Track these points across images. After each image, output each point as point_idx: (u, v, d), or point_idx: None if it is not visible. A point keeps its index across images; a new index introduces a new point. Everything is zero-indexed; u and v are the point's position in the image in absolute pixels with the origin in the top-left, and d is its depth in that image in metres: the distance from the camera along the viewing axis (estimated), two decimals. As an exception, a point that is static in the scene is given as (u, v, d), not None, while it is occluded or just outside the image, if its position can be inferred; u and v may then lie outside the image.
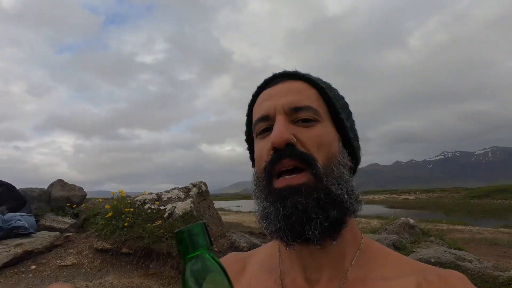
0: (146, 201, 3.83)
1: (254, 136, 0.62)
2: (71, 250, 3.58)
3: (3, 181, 4.31)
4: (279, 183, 0.55)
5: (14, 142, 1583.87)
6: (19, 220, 3.56)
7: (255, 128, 0.61)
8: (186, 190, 3.99)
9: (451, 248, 3.00)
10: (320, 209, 0.52)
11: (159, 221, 3.38)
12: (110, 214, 3.58)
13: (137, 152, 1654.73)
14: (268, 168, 0.55)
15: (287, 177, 0.54)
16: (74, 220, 4.60)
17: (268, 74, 0.65)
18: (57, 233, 3.87)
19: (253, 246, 3.23)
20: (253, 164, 0.64)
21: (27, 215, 3.85)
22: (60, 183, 5.65)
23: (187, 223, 3.31)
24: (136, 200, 3.84)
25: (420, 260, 2.32)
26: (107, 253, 3.30)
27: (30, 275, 3.06)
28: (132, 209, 3.53)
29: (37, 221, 4.17)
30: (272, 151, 0.55)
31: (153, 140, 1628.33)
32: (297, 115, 0.57)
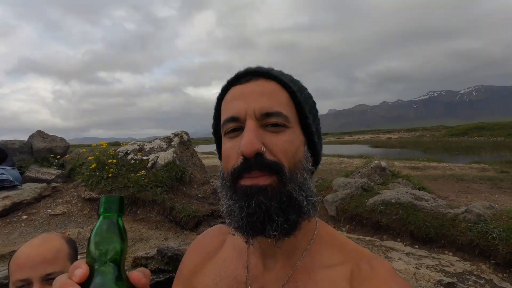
0: (128, 152, 3.88)
1: (222, 133, 0.63)
2: (60, 200, 3.72)
3: (-22, 135, 4.21)
4: (245, 181, 0.57)
5: None
6: (2, 173, 3.60)
7: (224, 127, 0.62)
8: (168, 140, 4.03)
9: (415, 188, 3.28)
10: (281, 211, 0.56)
11: (143, 171, 3.48)
12: (93, 165, 3.65)
13: (120, 97, 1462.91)
14: (236, 173, 0.58)
15: (258, 175, 0.56)
16: (60, 171, 4.68)
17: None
18: (44, 184, 3.96)
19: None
20: (220, 158, 0.67)
21: (10, 168, 3.88)
22: (41, 134, 5.57)
23: (170, 172, 3.43)
24: (119, 151, 3.88)
25: (382, 201, 2.55)
26: (95, 202, 3.45)
27: (23, 224, 3.22)
28: (115, 161, 3.59)
29: (21, 174, 4.22)
30: (241, 157, 0.56)
31: (136, 84, 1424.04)
32: (267, 120, 0.58)
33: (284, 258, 0.65)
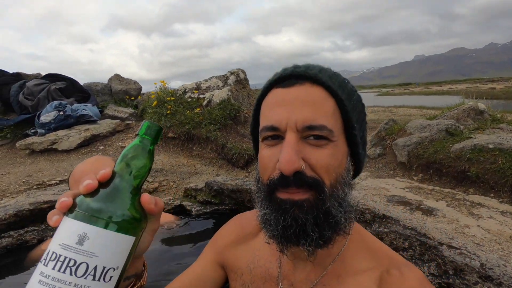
0: (186, 90, 3.89)
1: (260, 138, 0.61)
2: (130, 135, 4.06)
3: (65, 75, 4.74)
4: (282, 194, 0.56)
5: (87, 45, 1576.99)
6: (83, 109, 4.03)
7: (262, 133, 0.60)
8: (224, 79, 3.89)
9: (525, 136, 2.50)
10: (317, 227, 0.55)
11: (198, 109, 3.46)
12: (155, 103, 3.79)
13: (195, 49, 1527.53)
14: (272, 186, 0.57)
15: (296, 191, 0.55)
16: (133, 110, 5.08)
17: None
18: (118, 120, 4.35)
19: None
20: (257, 156, 0.66)
21: (90, 105, 4.32)
22: (118, 77, 6.07)
23: (224, 111, 3.33)
24: (177, 90, 3.92)
25: (474, 146, 1.98)
26: (157, 137, 3.64)
27: (100, 153, 3.63)
28: (173, 98, 3.64)
29: (101, 112, 4.70)
30: (278, 171, 0.55)
31: (208, 34, 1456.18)
32: (309, 133, 0.56)
33: (315, 261, 0.66)
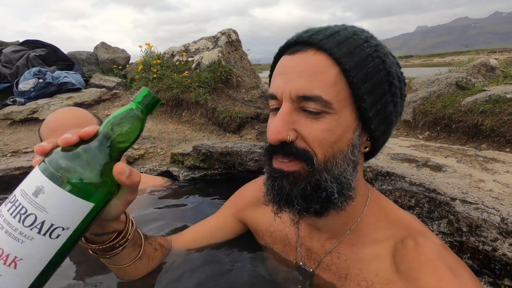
0: (174, 53, 3.61)
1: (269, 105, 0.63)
2: (117, 103, 3.83)
3: (46, 42, 4.42)
4: (276, 163, 0.59)
5: (80, 21, 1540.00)
6: (66, 77, 3.76)
7: (268, 101, 0.62)
8: (215, 40, 3.60)
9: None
10: (303, 199, 0.57)
11: (186, 72, 3.21)
12: (140, 67, 3.52)
13: (191, 23, 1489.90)
14: (267, 153, 0.61)
15: (284, 160, 0.58)
16: (120, 79, 4.80)
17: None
18: (104, 89, 4.10)
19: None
20: None
21: (73, 73, 4.05)
22: (104, 46, 5.72)
23: (214, 73, 3.08)
24: (164, 53, 3.64)
25: (489, 98, 1.78)
26: (144, 104, 3.42)
27: (84, 122, 3.43)
28: (159, 61, 3.38)
29: (87, 81, 4.43)
30: None
31: (204, 7, 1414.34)
32: (304, 104, 0.55)
33: (329, 232, 0.71)
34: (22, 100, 3.45)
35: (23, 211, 0.42)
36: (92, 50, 5.66)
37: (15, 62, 4.04)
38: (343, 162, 0.57)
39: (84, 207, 0.44)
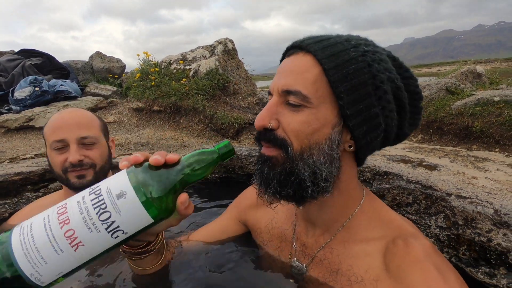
0: (171, 61, 3.66)
1: None
2: (114, 111, 3.84)
3: (41, 51, 4.43)
4: (263, 149, 0.67)
5: (70, 32, 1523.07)
6: (62, 85, 3.77)
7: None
8: (211, 49, 3.67)
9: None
10: (278, 183, 0.63)
11: (184, 80, 3.26)
12: (138, 75, 3.56)
13: (182, 35, 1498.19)
14: (256, 139, 0.69)
15: (266, 145, 0.65)
16: (116, 88, 4.82)
17: None
18: (101, 97, 4.10)
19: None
20: None
21: (69, 81, 4.05)
22: (99, 55, 5.75)
23: (212, 80, 3.14)
24: (162, 61, 3.69)
25: (477, 101, 1.87)
26: (142, 111, 3.44)
27: (81, 130, 3.42)
28: (157, 69, 3.42)
29: (82, 90, 4.44)
30: None
31: (195, 20, 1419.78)
32: (287, 98, 0.61)
33: (323, 227, 0.74)
34: (18, 108, 3.44)
35: (103, 206, 0.47)
36: (87, 60, 5.68)
37: (10, 71, 4.03)
38: (318, 154, 0.61)
39: (146, 220, 0.50)
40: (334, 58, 0.58)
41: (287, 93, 0.61)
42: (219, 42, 3.68)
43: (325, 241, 0.73)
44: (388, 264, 0.62)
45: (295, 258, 0.81)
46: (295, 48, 0.64)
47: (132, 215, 0.48)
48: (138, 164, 0.52)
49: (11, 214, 1.76)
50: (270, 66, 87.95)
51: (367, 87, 0.59)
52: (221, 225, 1.03)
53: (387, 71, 0.62)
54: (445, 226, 1.16)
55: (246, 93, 3.40)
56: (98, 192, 0.48)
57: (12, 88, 3.64)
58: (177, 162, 0.54)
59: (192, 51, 3.72)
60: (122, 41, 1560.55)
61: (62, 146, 1.09)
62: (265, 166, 0.64)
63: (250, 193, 1.01)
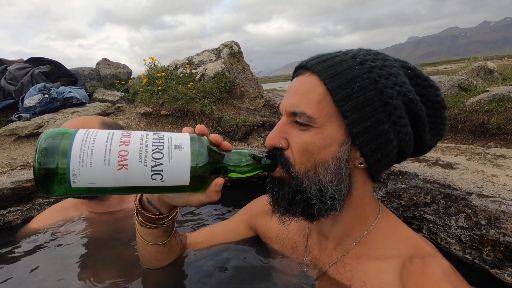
0: (178, 66, 3.67)
1: None
2: (121, 116, 3.86)
3: (50, 59, 4.49)
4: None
5: (77, 41, 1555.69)
6: (70, 92, 3.81)
7: None
8: (217, 52, 3.67)
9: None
10: (287, 202, 0.65)
11: (191, 83, 3.26)
12: (145, 80, 3.58)
13: (185, 40, 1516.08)
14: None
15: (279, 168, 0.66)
16: (123, 94, 4.86)
17: None
18: (109, 103, 4.14)
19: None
20: None
21: (77, 88, 4.09)
22: (106, 61, 5.81)
23: (219, 83, 3.14)
24: (168, 66, 3.71)
25: (493, 97, 1.82)
26: (149, 116, 3.45)
27: (90, 135, 3.44)
28: (164, 73, 3.44)
29: (90, 96, 4.48)
30: None
31: (198, 25, 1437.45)
32: (294, 118, 0.63)
33: (336, 242, 0.74)
34: (28, 115, 3.48)
35: (160, 147, 0.52)
36: (94, 66, 5.74)
37: (19, 79, 4.09)
38: (324, 172, 0.61)
39: (183, 180, 0.54)
40: (337, 77, 0.58)
41: (293, 114, 0.62)
42: (225, 45, 3.68)
43: (338, 255, 0.72)
44: (404, 283, 0.60)
45: (306, 270, 0.79)
46: (302, 68, 0.66)
47: (178, 167, 0.52)
48: (200, 134, 0.58)
49: (23, 221, 1.77)
50: (274, 68, 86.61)
51: (373, 104, 0.57)
52: (230, 226, 1.04)
53: (397, 85, 0.60)
54: (467, 226, 1.12)
55: (253, 95, 3.39)
56: (161, 136, 0.54)
57: (21, 96, 3.69)
58: (229, 151, 0.59)
59: (198, 54, 3.72)
60: (127, 47, 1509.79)
61: None
62: (275, 186, 0.67)
63: (263, 201, 1.01)
